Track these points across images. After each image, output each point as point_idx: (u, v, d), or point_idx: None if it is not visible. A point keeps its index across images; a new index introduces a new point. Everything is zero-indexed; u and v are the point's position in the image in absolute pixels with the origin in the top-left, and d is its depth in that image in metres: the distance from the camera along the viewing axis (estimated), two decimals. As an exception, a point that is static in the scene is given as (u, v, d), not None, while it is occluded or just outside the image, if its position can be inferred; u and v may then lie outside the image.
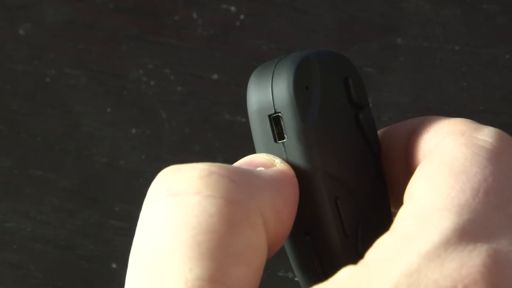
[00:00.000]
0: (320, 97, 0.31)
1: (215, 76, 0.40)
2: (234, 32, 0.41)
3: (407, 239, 0.25)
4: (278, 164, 0.30)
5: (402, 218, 0.26)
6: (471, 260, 0.25)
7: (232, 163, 0.32)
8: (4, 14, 0.42)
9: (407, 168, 0.30)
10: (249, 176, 0.27)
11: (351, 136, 0.31)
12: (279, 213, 0.28)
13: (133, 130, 0.39)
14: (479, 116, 0.39)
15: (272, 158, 0.30)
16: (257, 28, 0.41)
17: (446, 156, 0.27)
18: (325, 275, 0.31)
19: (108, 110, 0.40)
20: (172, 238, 0.25)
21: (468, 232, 0.25)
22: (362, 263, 0.25)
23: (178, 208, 0.25)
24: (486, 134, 0.28)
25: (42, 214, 0.38)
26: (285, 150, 0.31)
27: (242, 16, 0.41)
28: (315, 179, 0.31)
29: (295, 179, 0.30)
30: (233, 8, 0.41)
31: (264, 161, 0.30)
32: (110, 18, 0.41)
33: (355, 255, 0.31)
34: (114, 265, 0.37)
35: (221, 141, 0.39)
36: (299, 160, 0.31)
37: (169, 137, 0.39)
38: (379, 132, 0.32)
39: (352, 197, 0.31)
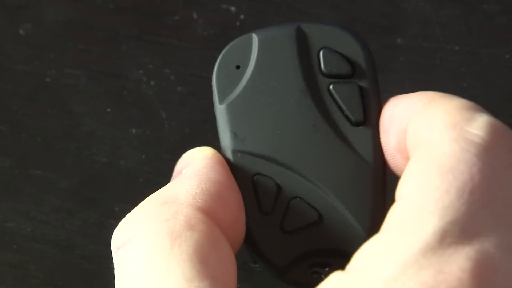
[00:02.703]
0: (251, 76, 0.32)
1: (215, 76, 0.40)
2: (234, 32, 0.41)
3: (388, 247, 0.25)
4: (198, 154, 0.32)
5: (389, 222, 0.26)
6: (449, 265, 0.24)
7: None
8: (4, 14, 0.42)
9: (406, 147, 0.30)
10: (172, 190, 0.30)
11: (302, 110, 0.32)
12: (218, 194, 0.30)
13: (133, 130, 0.39)
14: (479, 116, 0.39)
15: (195, 151, 0.32)
16: (257, 28, 0.41)
17: (435, 152, 0.27)
18: (251, 255, 0.31)
19: (108, 110, 0.40)
20: (139, 271, 0.28)
21: (450, 234, 0.25)
22: (347, 270, 0.26)
23: (130, 253, 0.28)
24: (478, 127, 0.28)
25: (42, 214, 0.38)
26: None
27: (242, 16, 0.41)
28: (229, 158, 0.32)
29: (216, 159, 0.31)
30: (233, 8, 0.41)
31: (185, 160, 0.32)
32: (110, 18, 0.41)
33: (277, 231, 0.31)
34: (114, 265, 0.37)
35: (221, 141, 0.39)
36: (220, 140, 0.32)
37: (169, 137, 0.39)
38: (390, 99, 0.32)
39: (285, 172, 0.31)
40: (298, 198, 0.31)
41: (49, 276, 0.37)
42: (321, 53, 0.32)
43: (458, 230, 0.25)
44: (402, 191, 0.27)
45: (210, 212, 0.29)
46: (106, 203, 0.38)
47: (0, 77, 0.41)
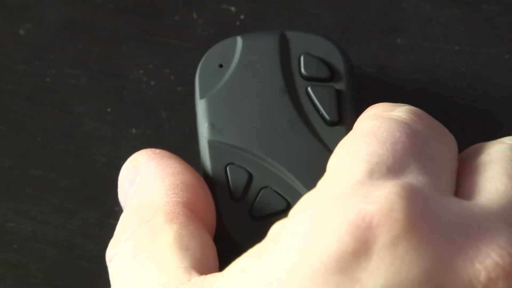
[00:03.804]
0: (233, 74, 0.34)
1: (215, 76, 0.40)
2: (234, 32, 0.41)
3: (321, 190, 0.27)
4: (140, 159, 0.33)
5: (320, 180, 0.28)
6: (378, 190, 0.25)
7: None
8: (4, 14, 0.42)
9: None
10: (144, 196, 0.31)
11: (279, 107, 0.33)
12: (184, 183, 0.31)
13: (133, 130, 0.40)
14: (479, 116, 0.39)
15: (133, 159, 0.34)
16: (257, 28, 0.41)
17: (357, 128, 0.29)
18: (218, 236, 0.33)
19: (108, 110, 0.40)
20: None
21: (377, 171, 0.26)
22: (288, 217, 0.27)
23: (119, 260, 0.30)
24: (399, 111, 0.29)
25: (42, 214, 0.38)
26: None
27: (242, 16, 0.41)
28: (203, 147, 0.33)
29: (160, 154, 0.33)
30: (233, 8, 0.41)
31: (129, 170, 0.34)
32: (110, 18, 0.42)
33: (246, 216, 0.32)
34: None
35: (221, 141, 0.39)
36: (198, 131, 0.34)
37: (169, 137, 0.39)
38: None
39: (258, 163, 0.33)
40: (268, 188, 0.32)
41: (49, 276, 0.37)
42: (302, 57, 0.34)
43: (385, 169, 0.26)
44: (329, 162, 0.28)
45: (184, 202, 0.30)
46: (106, 203, 0.38)
47: (0, 77, 0.41)
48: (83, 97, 0.40)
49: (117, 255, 0.30)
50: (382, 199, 0.25)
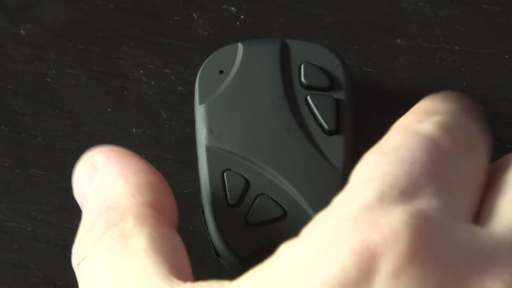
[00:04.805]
0: (233, 80, 0.34)
1: (215, 76, 0.40)
2: (234, 32, 0.41)
3: (333, 209, 0.26)
4: (97, 157, 0.33)
5: (336, 197, 0.27)
6: (385, 218, 0.25)
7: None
8: (5, 14, 0.42)
9: None
10: (108, 197, 0.31)
11: (278, 115, 0.33)
12: (147, 182, 0.31)
13: (133, 130, 0.40)
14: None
15: (89, 157, 0.33)
16: (257, 28, 0.41)
17: (382, 142, 0.28)
18: (212, 243, 0.32)
19: (108, 110, 0.40)
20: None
21: (389, 195, 0.26)
22: (299, 236, 0.27)
23: (91, 264, 0.29)
24: (428, 123, 0.28)
25: (43, 213, 0.38)
26: None
27: (242, 16, 0.41)
28: (200, 153, 0.34)
29: (117, 152, 0.32)
30: (233, 8, 0.41)
31: (85, 169, 0.33)
32: (110, 18, 0.42)
33: (242, 222, 0.32)
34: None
35: (221, 141, 0.39)
36: (196, 137, 0.34)
37: (169, 137, 0.39)
38: None
39: (255, 170, 0.33)
40: (265, 195, 0.32)
41: (49, 275, 0.37)
42: (302, 66, 0.34)
43: (398, 192, 0.26)
44: (351, 175, 0.28)
45: (151, 203, 0.30)
46: (106, 203, 0.38)
47: (1, 77, 0.41)
48: (83, 97, 0.40)
49: (87, 259, 0.29)
50: (388, 227, 0.24)
